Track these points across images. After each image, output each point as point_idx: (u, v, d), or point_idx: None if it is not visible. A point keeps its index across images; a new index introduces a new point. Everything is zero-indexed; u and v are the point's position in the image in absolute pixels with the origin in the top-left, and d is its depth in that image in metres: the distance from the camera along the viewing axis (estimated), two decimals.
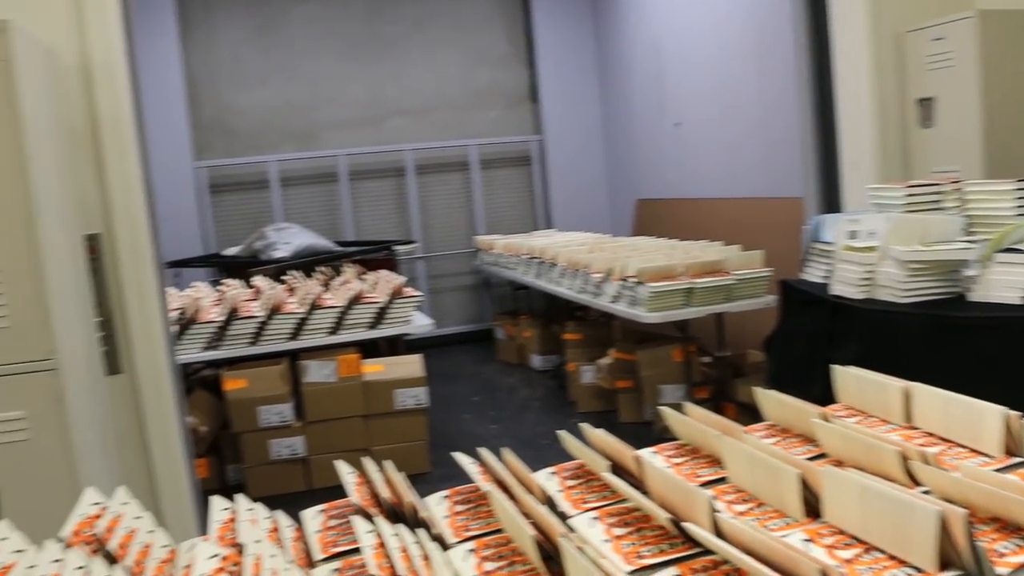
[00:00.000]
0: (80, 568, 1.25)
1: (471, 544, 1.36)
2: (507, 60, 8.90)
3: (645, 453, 1.60)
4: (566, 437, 1.64)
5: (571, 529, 1.34)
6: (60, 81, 3.05)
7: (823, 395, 1.82)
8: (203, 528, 3.20)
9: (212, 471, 4.80)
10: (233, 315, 4.75)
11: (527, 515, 1.33)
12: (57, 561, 1.26)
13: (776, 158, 5.90)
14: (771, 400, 1.74)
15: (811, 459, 1.46)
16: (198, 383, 5.10)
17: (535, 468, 1.59)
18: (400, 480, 1.51)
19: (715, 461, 1.54)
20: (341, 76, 8.48)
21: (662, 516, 1.28)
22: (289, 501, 1.58)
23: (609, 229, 8.28)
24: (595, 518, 1.37)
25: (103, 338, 3.11)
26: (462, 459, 1.61)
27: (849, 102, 3.88)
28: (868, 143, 3.79)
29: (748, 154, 6.38)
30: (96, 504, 1.50)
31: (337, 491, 1.62)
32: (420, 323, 5.13)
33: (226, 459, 4.91)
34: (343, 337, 4.90)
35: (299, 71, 8.38)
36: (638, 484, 1.44)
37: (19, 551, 1.41)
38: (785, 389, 1.80)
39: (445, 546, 1.37)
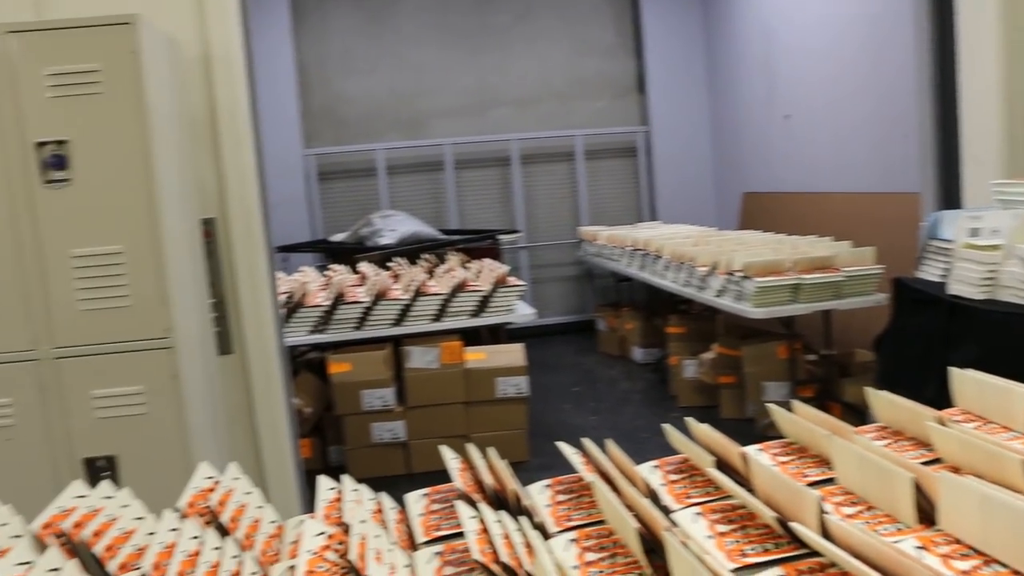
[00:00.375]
0: (195, 538, 1.30)
1: (572, 534, 1.36)
2: (614, 50, 8.83)
3: (751, 450, 1.57)
4: (671, 431, 1.62)
5: (674, 524, 1.32)
6: (182, 72, 3.16)
7: (937, 398, 1.76)
8: (306, 506, 3.30)
9: (315, 451, 4.92)
10: (339, 300, 4.86)
11: (630, 507, 1.32)
12: (174, 530, 1.31)
13: (890, 151, 5.71)
14: (883, 401, 1.69)
15: (925, 464, 1.41)
16: (304, 365, 5.23)
17: (635, 461, 1.57)
18: (503, 467, 1.52)
19: (823, 461, 1.50)
20: (447, 66, 8.56)
21: (768, 515, 1.25)
22: (388, 484, 1.61)
23: (714, 222, 8.16)
24: (698, 514, 1.36)
25: (216, 319, 3.22)
26: (565, 449, 1.61)
27: (974, 94, 3.72)
28: (994, 137, 3.63)
29: (860, 147, 6.19)
30: (209, 478, 1.56)
31: (436, 476, 1.64)
32: (523, 312, 5.15)
33: (328, 440, 5.02)
34: (446, 324, 4.95)
35: (406, 61, 8.50)
36: (743, 481, 1.42)
37: (139, 518, 1.48)
38: (896, 390, 1.74)
39: (546, 535, 1.37)
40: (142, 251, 2.68)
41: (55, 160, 2.69)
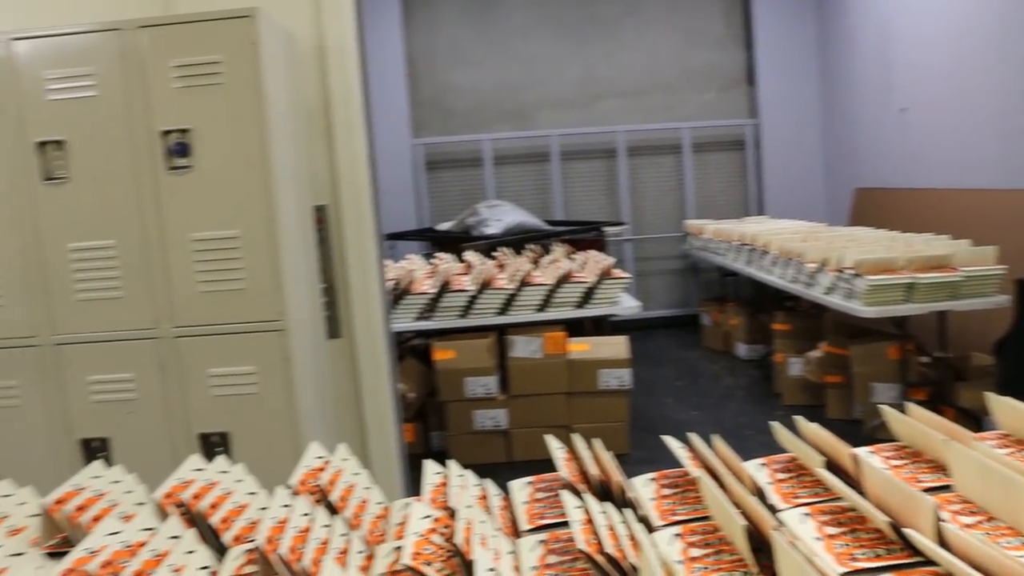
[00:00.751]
0: (305, 515, 1.34)
1: (677, 529, 1.35)
2: (723, 41, 8.68)
3: (862, 452, 1.53)
4: (779, 429, 1.59)
5: (780, 523, 1.30)
6: (298, 63, 3.24)
7: None
8: (408, 490, 3.36)
9: (417, 436, 5.00)
10: (445, 288, 4.92)
11: (737, 505, 1.30)
12: (286, 506, 1.36)
13: (1016, 147, 5.46)
14: (1006, 407, 1.62)
15: None
16: (409, 351, 5.32)
17: (739, 458, 1.55)
18: (609, 459, 1.52)
19: (938, 467, 1.46)
20: (555, 57, 8.55)
21: (880, 519, 1.22)
22: (488, 471, 1.62)
23: (824, 218, 7.96)
24: (806, 514, 1.33)
25: (326, 304, 3.30)
26: (671, 443, 1.60)
27: None
28: None
29: (983, 142, 5.94)
30: (320, 458, 1.60)
31: (536, 465, 1.65)
32: (627, 305, 5.12)
33: (431, 426, 5.10)
34: (550, 315, 4.96)
35: (514, 52, 8.53)
36: (853, 484, 1.38)
37: (252, 493, 1.53)
38: (1019, 396, 1.67)
39: (650, 528, 1.37)
40: (258, 236, 2.77)
41: (178, 147, 2.80)
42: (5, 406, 2.97)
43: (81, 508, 1.44)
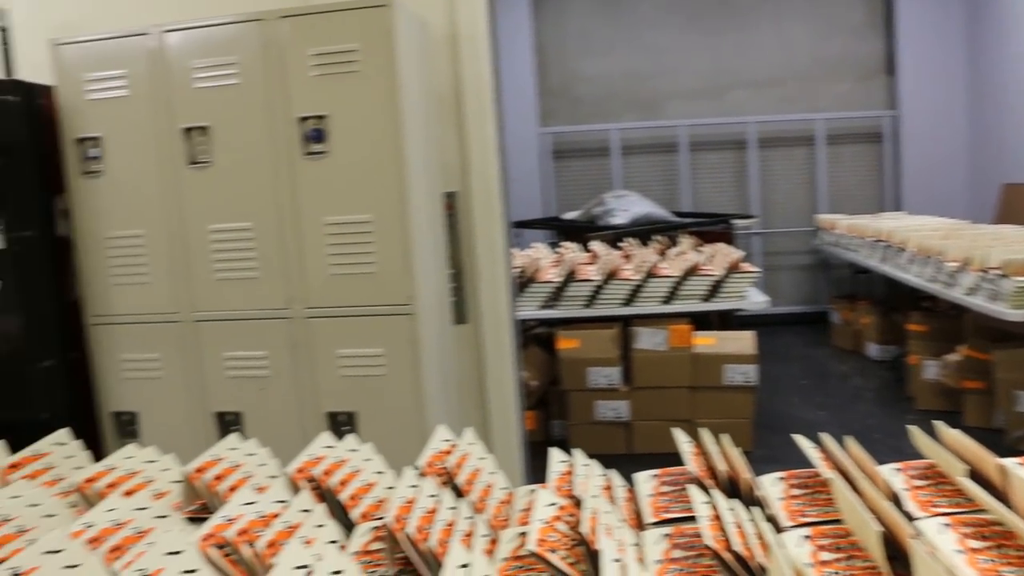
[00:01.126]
0: (432, 496, 1.35)
1: (806, 531, 1.31)
2: (861, 29, 8.36)
3: (1010, 463, 1.45)
4: (917, 433, 1.53)
5: (918, 532, 1.25)
6: (430, 51, 3.28)
7: None
8: (528, 477, 3.37)
9: (538, 424, 5.02)
10: (570, 277, 4.92)
11: (871, 509, 1.26)
12: (413, 487, 1.38)
13: None
14: None
15: None
16: (532, 339, 5.34)
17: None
18: (737, 455, 1.49)
19: None
20: (685, 46, 8.42)
21: None
22: (608, 462, 1.61)
23: (967, 215, 7.59)
24: (946, 525, 1.27)
25: (453, 289, 3.34)
26: (802, 442, 1.56)
27: None
28: None
29: None
30: (447, 441, 1.62)
31: (657, 458, 1.63)
32: (755, 300, 5.01)
33: (552, 414, 5.11)
34: (676, 307, 4.90)
35: (643, 41, 8.43)
36: (1000, 496, 1.31)
37: (379, 472, 1.56)
38: None
39: (778, 528, 1.33)
40: (389, 221, 2.83)
41: (315, 133, 2.87)
42: (149, 377, 3.13)
43: (219, 477, 1.50)
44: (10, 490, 1.43)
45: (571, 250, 5.59)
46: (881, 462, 1.52)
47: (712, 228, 6.81)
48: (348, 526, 1.41)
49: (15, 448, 1.74)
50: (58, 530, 1.24)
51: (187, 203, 3.00)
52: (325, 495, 1.44)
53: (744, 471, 1.45)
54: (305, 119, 2.87)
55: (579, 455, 1.58)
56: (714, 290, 4.93)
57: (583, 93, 8.53)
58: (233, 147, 2.94)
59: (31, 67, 3.23)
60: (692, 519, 1.34)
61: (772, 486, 1.49)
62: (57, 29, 3.11)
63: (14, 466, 1.66)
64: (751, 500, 1.40)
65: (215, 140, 2.96)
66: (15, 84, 3.10)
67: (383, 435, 2.51)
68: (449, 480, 1.47)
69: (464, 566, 1.12)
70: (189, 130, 2.97)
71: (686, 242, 5.79)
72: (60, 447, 1.75)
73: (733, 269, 4.96)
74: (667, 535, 1.35)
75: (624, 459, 4.72)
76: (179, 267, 3.04)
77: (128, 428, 3.19)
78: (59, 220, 3.17)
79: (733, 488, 1.45)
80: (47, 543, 1.16)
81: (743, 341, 4.87)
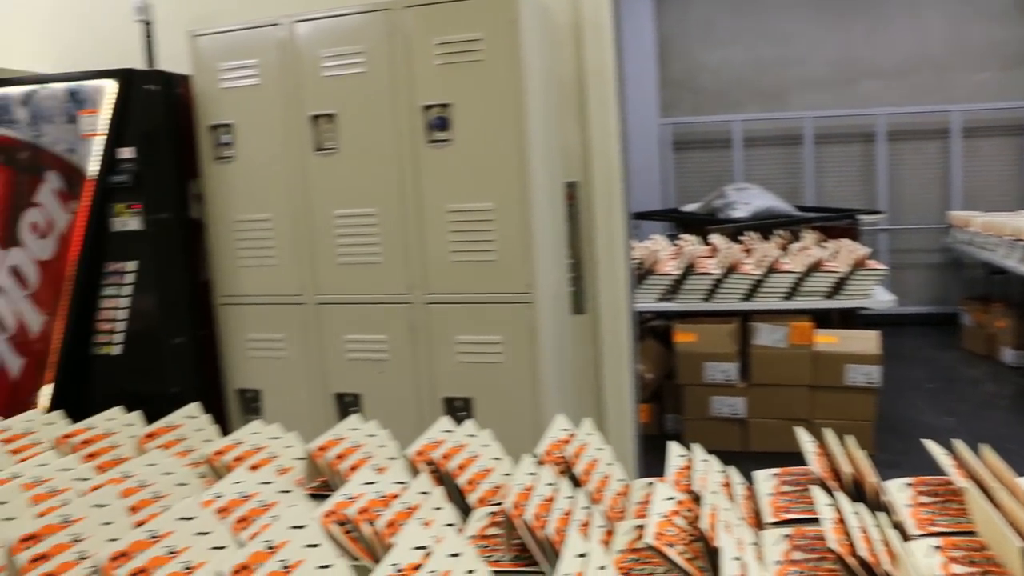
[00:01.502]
0: (550, 484, 1.35)
1: (936, 540, 1.26)
2: (1007, 13, 7.93)
3: None
4: None
5: None
6: (554, 39, 3.27)
7: None
8: (641, 470, 3.34)
9: (652, 417, 4.97)
10: (689, 270, 4.85)
11: (1012, 523, 1.19)
12: (531, 474, 1.38)
13: None
14: None
15: None
16: (648, 332, 5.29)
17: None
18: (863, 457, 1.44)
19: None
20: (812, 35, 8.16)
21: None
22: (723, 459, 1.57)
23: None
24: None
25: (572, 279, 3.33)
26: (933, 448, 1.49)
27: None
28: None
29: None
30: (565, 430, 1.62)
31: (774, 457, 1.59)
32: (881, 298, 4.84)
33: (666, 408, 5.05)
34: (797, 304, 4.77)
35: (769, 29, 8.21)
36: None
37: (497, 459, 1.57)
38: None
39: (905, 536, 1.28)
40: (511, 209, 2.84)
41: (438, 122, 2.90)
42: (273, 357, 3.23)
43: (340, 456, 1.53)
44: (146, 458, 1.50)
45: (690, 243, 5.51)
46: (1021, 474, 1.44)
47: (837, 223, 6.59)
48: (464, 510, 1.42)
49: (148, 419, 1.83)
50: (190, 499, 1.29)
51: (313, 188, 3.08)
52: (443, 478, 1.45)
53: (870, 474, 1.40)
54: (429, 107, 2.91)
55: (698, 450, 1.56)
56: (838, 287, 4.78)
57: (705, 83, 8.38)
58: (358, 134, 3.00)
59: (170, 58, 3.36)
60: (814, 521, 1.30)
61: (899, 492, 1.43)
62: (195, 21, 3.23)
63: (150, 436, 1.74)
64: (877, 505, 1.35)
65: (341, 127, 3.02)
66: (156, 74, 3.23)
67: (498, 422, 2.52)
68: (567, 469, 1.46)
69: (581, 555, 1.11)
70: (316, 117, 3.05)
71: (809, 237, 5.63)
72: (191, 420, 1.83)
73: (858, 266, 4.80)
74: (787, 536, 1.31)
75: (739, 456, 4.60)
76: (304, 251, 3.12)
77: (252, 405, 3.30)
78: (192, 203, 3.30)
79: (858, 491, 1.40)
80: (181, 510, 1.21)
81: (867, 340, 4.71)
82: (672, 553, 1.17)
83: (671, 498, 1.33)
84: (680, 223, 7.07)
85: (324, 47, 3.00)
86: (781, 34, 8.20)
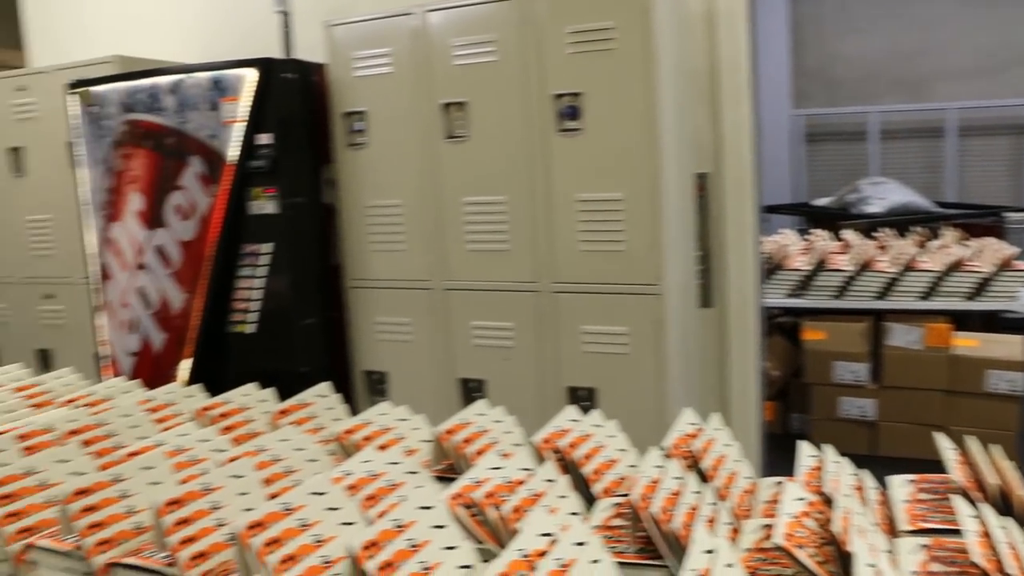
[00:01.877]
0: (677, 478, 1.33)
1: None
2: None
3: None
4: None
5: None
6: (687, 27, 3.22)
7: None
8: (764, 468, 3.27)
9: (776, 416, 4.86)
10: (820, 266, 4.71)
11: None
12: (658, 467, 1.36)
13: None
14: None
15: None
16: (775, 328, 5.17)
17: None
18: (1010, 468, 1.37)
19: None
20: (959, 20, 7.78)
21: None
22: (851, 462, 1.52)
23: None
24: None
25: (700, 272, 3.28)
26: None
27: None
28: None
29: None
30: (693, 424, 1.59)
31: (905, 462, 1.53)
32: None
33: (791, 407, 4.93)
34: (934, 304, 4.58)
35: (911, 15, 7.88)
36: None
37: (623, 450, 1.56)
38: None
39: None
40: (640, 200, 2.81)
41: (569, 110, 2.90)
42: (400, 340, 3.29)
43: (467, 440, 1.55)
44: (279, 433, 1.55)
45: (821, 238, 5.35)
46: None
47: (980, 221, 6.30)
48: (588, 500, 1.42)
49: (279, 397, 1.89)
50: (321, 475, 1.33)
51: (443, 175, 3.12)
52: (568, 467, 1.45)
53: (1019, 487, 1.32)
54: (560, 96, 2.90)
55: (829, 451, 1.51)
56: (980, 288, 4.56)
57: (841, 73, 8.11)
58: (489, 122, 3.02)
59: (307, 47, 3.46)
60: (954, 532, 1.24)
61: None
62: (331, 12, 3.31)
63: (283, 412, 1.80)
64: None
65: (472, 115, 3.05)
66: (293, 63, 3.34)
67: (621, 413, 2.50)
68: (694, 464, 1.44)
69: (709, 552, 1.09)
70: (448, 105, 3.08)
71: (949, 235, 5.40)
72: (322, 399, 1.88)
73: (1004, 267, 4.56)
74: (925, 546, 1.26)
75: (866, 460, 4.45)
76: (433, 237, 3.17)
77: (377, 387, 3.38)
78: (325, 189, 3.39)
79: (1005, 505, 1.33)
80: (313, 485, 1.25)
81: (1011, 345, 4.47)
82: (802, 555, 1.14)
83: (801, 499, 1.29)
84: (811, 218, 6.89)
85: (456, 36, 3.03)
86: (923, 20, 7.85)
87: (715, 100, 3.27)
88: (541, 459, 1.48)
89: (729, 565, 1.09)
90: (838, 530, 1.17)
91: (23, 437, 1.64)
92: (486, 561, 1.15)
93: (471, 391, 3.17)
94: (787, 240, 5.45)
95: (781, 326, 5.20)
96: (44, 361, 4.21)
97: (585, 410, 1.66)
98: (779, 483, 1.46)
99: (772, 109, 7.76)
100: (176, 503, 1.25)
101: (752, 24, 3.27)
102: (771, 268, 4.75)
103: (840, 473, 1.43)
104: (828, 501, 1.31)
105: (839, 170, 7.97)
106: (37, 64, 4.64)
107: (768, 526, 1.26)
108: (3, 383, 2.14)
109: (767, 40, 7.74)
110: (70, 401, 1.99)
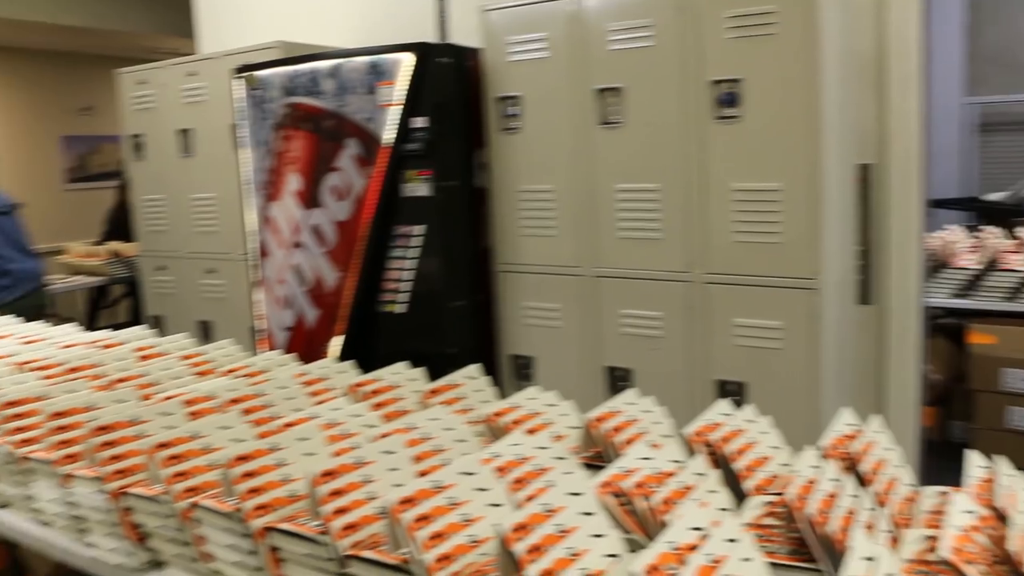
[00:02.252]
0: (834, 480, 1.28)
1: None
2: None
3: None
4: None
5: None
6: (853, 10, 3.08)
7: None
8: (922, 477, 3.11)
9: (936, 422, 4.62)
10: (991, 265, 4.46)
11: None
12: (815, 467, 1.31)
13: None
14: None
15: None
16: (938, 329, 4.91)
17: None
18: None
19: None
20: None
21: None
22: None
23: None
24: None
25: (859, 267, 3.14)
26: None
27: None
28: None
29: None
30: (851, 425, 1.53)
31: None
32: None
33: (952, 414, 4.68)
34: None
35: None
36: None
37: (776, 447, 1.51)
38: None
39: None
40: (799, 191, 2.71)
41: (727, 97, 2.82)
42: (547, 325, 3.30)
43: (617, 429, 1.53)
44: (429, 412, 1.57)
45: (993, 235, 5.05)
46: None
47: None
48: (739, 496, 1.38)
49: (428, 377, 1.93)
50: (470, 455, 1.34)
51: (597, 161, 3.10)
52: (719, 462, 1.42)
53: None
54: (718, 82, 2.83)
55: (1003, 463, 1.42)
56: None
57: (1023, 57, 7.59)
58: (644, 109, 2.98)
59: (462, 32, 3.50)
60: None
61: None
62: None
63: (433, 392, 1.83)
64: None
65: (627, 101, 3.01)
66: (448, 48, 3.38)
67: (772, 410, 2.44)
68: (852, 466, 1.38)
69: (868, 559, 1.04)
70: (602, 91, 3.06)
71: None
72: (471, 380, 1.90)
73: None
74: None
75: None
76: (584, 223, 3.15)
77: (524, 371, 3.39)
78: (478, 172, 3.42)
79: None
80: (462, 465, 1.26)
81: None
82: (972, 572, 1.07)
83: (971, 512, 1.22)
84: (982, 213, 6.50)
85: (612, 21, 3.00)
86: None
87: (881, 87, 3.12)
88: (691, 451, 1.45)
89: (889, 575, 1.04)
90: (1015, 549, 1.10)
91: (189, 403, 1.72)
92: (633, 551, 1.14)
93: (617, 380, 3.14)
94: (954, 236, 5.16)
95: (944, 328, 4.94)
96: (205, 332, 4.43)
97: (735, 405, 1.62)
98: (944, 493, 1.38)
99: (942, 96, 7.34)
100: (330, 474, 1.29)
101: (925, 4, 3.10)
102: (935, 266, 4.52)
103: (1015, 488, 1.34)
104: (1001, 517, 1.23)
105: (1016, 163, 7.47)
106: (206, 51, 4.88)
107: (932, 538, 1.19)
108: (170, 351, 2.26)
109: (940, 20, 7.32)
110: (231, 371, 2.09)
